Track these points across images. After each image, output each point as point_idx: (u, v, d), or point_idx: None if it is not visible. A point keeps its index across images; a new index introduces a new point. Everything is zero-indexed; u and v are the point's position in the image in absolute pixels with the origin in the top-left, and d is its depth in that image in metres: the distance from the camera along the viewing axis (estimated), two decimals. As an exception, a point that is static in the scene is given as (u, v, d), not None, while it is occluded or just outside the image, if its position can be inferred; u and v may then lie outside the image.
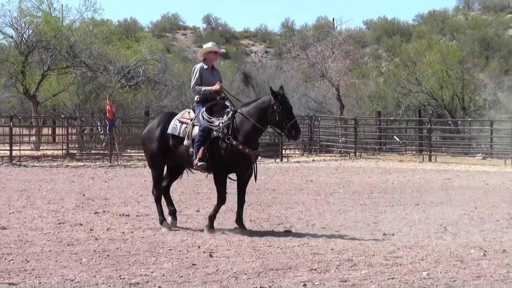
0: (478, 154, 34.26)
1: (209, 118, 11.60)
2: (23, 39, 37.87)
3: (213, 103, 11.85)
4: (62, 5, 41.22)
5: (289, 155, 34.50)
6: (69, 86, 38.42)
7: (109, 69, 39.81)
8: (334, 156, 34.96)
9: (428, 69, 43.38)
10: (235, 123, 11.55)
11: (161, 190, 12.38)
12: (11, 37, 38.60)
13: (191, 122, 11.83)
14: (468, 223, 13.15)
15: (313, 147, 36.91)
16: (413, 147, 37.68)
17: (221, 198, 11.68)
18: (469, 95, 43.33)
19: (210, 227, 11.64)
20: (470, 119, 39.92)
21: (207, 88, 11.85)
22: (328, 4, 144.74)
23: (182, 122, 11.96)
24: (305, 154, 35.89)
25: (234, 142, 11.43)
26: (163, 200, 12.36)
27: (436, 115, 43.18)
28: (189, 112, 12.11)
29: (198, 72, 12.00)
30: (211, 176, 12.04)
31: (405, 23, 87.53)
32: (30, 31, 37.97)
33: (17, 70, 37.47)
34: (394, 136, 39.27)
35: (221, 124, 11.53)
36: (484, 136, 37.34)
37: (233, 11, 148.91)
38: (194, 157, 11.63)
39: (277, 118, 11.41)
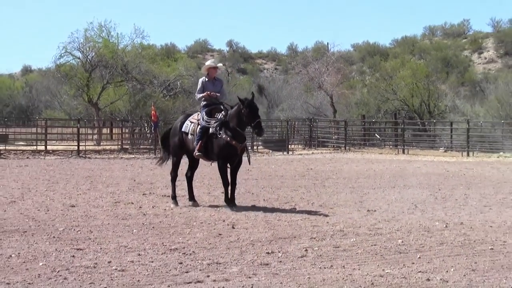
0: (441, 148, 34.08)
1: (207, 119, 11.69)
2: (88, 59, 38.16)
3: (212, 107, 11.91)
4: (118, 33, 41.43)
5: (293, 149, 34.43)
6: (123, 96, 38.87)
7: (154, 82, 39.93)
8: (329, 150, 34.84)
9: (401, 82, 43.39)
10: (225, 122, 11.59)
11: (177, 172, 12.55)
12: (78, 58, 38.80)
13: (197, 122, 11.92)
14: (433, 202, 13.06)
15: (312, 142, 36.81)
16: (390, 142, 37.44)
17: (224, 182, 11.68)
18: (434, 102, 43.45)
19: (230, 205, 11.56)
20: (434, 121, 39.69)
21: (200, 94, 12.02)
22: (324, 31, 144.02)
23: (192, 122, 12.05)
24: (306, 148, 35.79)
25: (223, 136, 11.44)
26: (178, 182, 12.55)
27: (408, 118, 42.94)
28: (198, 114, 12.17)
29: (200, 84, 12.19)
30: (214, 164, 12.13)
31: (384, 46, 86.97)
32: (93, 53, 38.24)
33: (83, 83, 37.88)
34: (376, 134, 39.15)
35: (214, 124, 11.58)
36: (445, 134, 37.19)
37: (249, 36, 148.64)
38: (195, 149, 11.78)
39: (244, 119, 11.39)
